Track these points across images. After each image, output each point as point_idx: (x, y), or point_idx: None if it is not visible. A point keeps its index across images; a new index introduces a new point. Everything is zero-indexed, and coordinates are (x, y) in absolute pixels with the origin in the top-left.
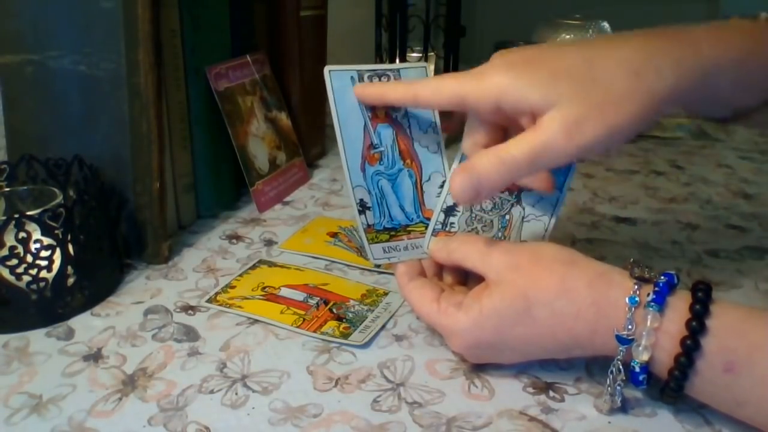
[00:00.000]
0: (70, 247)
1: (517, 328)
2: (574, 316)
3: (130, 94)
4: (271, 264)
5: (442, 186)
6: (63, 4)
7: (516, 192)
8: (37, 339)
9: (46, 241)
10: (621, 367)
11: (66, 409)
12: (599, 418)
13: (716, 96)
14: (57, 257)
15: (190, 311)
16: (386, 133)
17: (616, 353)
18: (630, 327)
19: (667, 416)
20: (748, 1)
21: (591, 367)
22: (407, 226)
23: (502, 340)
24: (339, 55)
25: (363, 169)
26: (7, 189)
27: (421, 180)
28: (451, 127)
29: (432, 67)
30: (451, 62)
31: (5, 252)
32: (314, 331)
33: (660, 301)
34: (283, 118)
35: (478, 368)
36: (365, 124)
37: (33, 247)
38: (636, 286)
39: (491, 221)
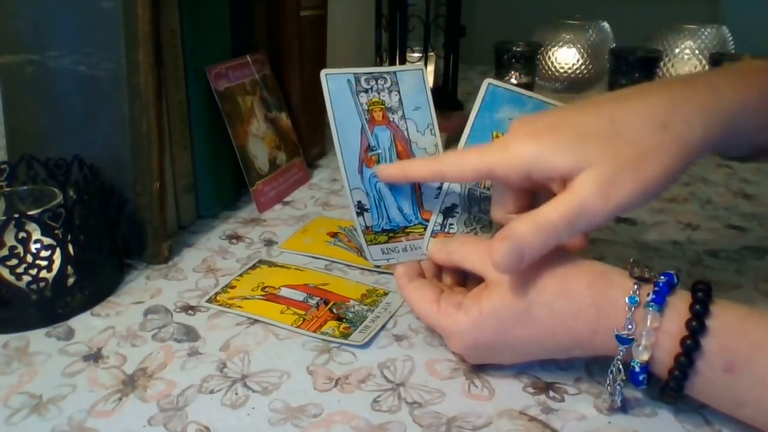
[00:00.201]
0: (70, 247)
1: (517, 329)
2: (574, 316)
3: (130, 94)
4: (271, 264)
5: (440, 187)
6: (63, 4)
7: None
8: (37, 339)
9: (46, 241)
10: (621, 367)
11: (66, 409)
12: (599, 418)
13: (740, 138)
14: (57, 257)
15: (190, 311)
16: (383, 136)
17: (616, 353)
18: (630, 327)
19: (667, 416)
20: (748, 1)
21: (591, 367)
22: (406, 227)
23: (502, 341)
24: (339, 55)
25: (360, 171)
26: (7, 189)
27: None
28: (450, 127)
29: (432, 68)
30: (451, 62)
31: (5, 252)
32: (314, 331)
33: (660, 301)
34: (283, 118)
35: (478, 368)
36: (362, 126)
37: (33, 247)
38: (636, 286)
39: (490, 222)
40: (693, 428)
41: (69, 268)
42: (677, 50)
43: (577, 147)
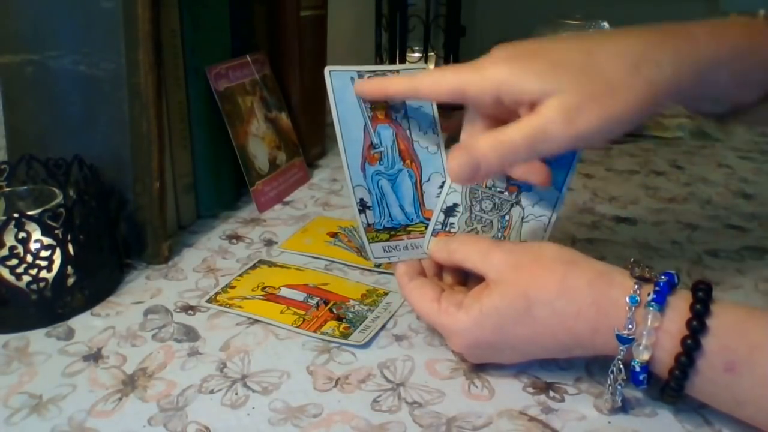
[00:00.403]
0: (70, 247)
1: (518, 328)
2: (575, 315)
3: (130, 94)
4: (271, 264)
5: (441, 186)
6: (63, 4)
7: (516, 193)
8: (37, 339)
9: (46, 241)
10: (621, 366)
11: (66, 409)
12: (599, 418)
13: (714, 91)
14: (57, 257)
15: (190, 311)
16: (386, 134)
17: (617, 353)
18: (630, 326)
19: (667, 416)
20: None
21: (591, 367)
22: (407, 226)
23: (503, 340)
24: (339, 55)
25: (363, 169)
26: (7, 189)
27: (420, 180)
28: (451, 127)
29: (432, 67)
30: (452, 62)
31: (5, 252)
32: (314, 331)
33: (660, 301)
34: (283, 118)
35: (478, 368)
36: (365, 124)
37: (33, 247)
38: (636, 286)
39: (491, 221)
40: (693, 428)
41: (69, 268)
42: None
43: (549, 74)
